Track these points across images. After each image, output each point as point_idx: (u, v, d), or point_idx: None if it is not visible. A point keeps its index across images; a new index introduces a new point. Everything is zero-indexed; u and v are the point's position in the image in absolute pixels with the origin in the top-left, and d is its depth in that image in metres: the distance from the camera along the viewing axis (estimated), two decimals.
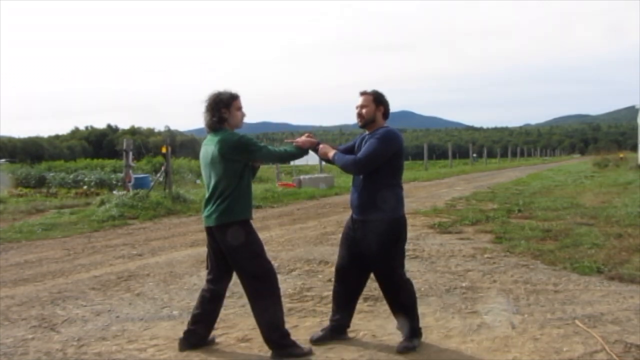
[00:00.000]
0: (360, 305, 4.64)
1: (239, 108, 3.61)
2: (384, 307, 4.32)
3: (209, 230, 3.59)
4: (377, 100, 3.66)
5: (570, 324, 4.04)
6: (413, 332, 3.67)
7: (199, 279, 5.69)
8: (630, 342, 3.64)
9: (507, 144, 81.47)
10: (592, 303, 4.55)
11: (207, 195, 3.59)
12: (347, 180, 21.15)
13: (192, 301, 4.86)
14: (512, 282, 5.29)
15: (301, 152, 3.75)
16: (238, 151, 3.47)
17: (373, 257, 3.64)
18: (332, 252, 6.97)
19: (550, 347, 3.61)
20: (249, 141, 3.53)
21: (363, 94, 3.69)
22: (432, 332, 3.94)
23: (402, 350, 3.58)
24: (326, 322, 4.14)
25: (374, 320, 4.21)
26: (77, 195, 16.45)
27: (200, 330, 3.72)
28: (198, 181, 20.77)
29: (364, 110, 3.65)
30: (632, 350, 3.54)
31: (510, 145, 71.52)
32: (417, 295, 4.81)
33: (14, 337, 4.05)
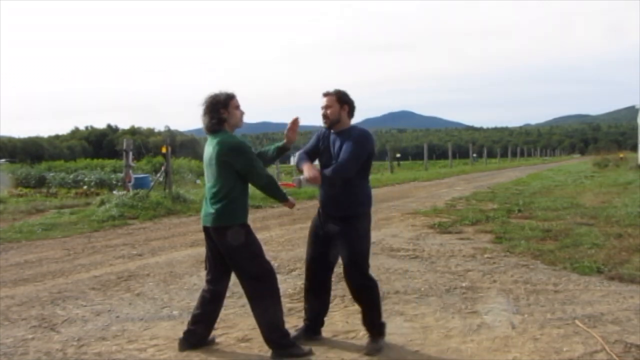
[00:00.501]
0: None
1: (237, 107, 3.61)
2: (384, 307, 4.32)
3: (207, 230, 3.61)
4: (340, 100, 3.66)
5: (570, 324, 4.04)
6: (380, 331, 3.70)
7: (199, 279, 5.69)
8: (630, 342, 3.64)
9: (507, 144, 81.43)
10: (592, 303, 4.55)
11: (206, 196, 3.62)
12: None
13: (192, 301, 4.86)
14: (512, 282, 5.29)
15: (283, 197, 3.69)
16: (234, 154, 3.46)
17: (348, 253, 3.62)
18: None
19: (550, 347, 3.61)
20: (248, 149, 3.52)
21: (326, 94, 3.68)
22: (432, 332, 3.95)
23: (370, 351, 3.58)
24: (326, 322, 4.15)
25: None
26: (77, 195, 16.45)
27: (200, 330, 3.72)
28: (198, 181, 20.78)
29: (328, 111, 3.65)
30: (632, 350, 3.54)
31: (510, 145, 71.48)
32: (417, 295, 4.84)
33: (14, 337, 4.05)
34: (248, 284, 3.57)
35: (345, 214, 3.61)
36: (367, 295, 3.69)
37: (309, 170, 3.63)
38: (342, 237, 3.61)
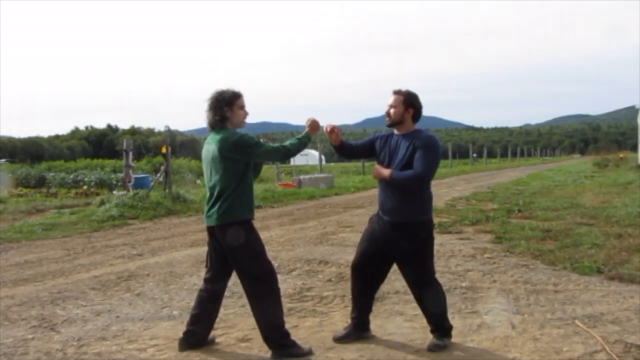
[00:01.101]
0: None
1: (242, 107, 3.58)
2: (384, 307, 4.33)
3: (210, 229, 3.58)
4: (407, 102, 3.64)
5: (570, 324, 4.04)
6: (446, 332, 3.71)
7: (199, 279, 5.68)
8: (630, 342, 3.64)
9: (507, 144, 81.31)
10: (592, 303, 4.55)
11: (208, 195, 3.58)
12: (346, 180, 21.13)
13: (192, 301, 4.85)
14: (512, 282, 5.29)
15: (307, 139, 3.66)
16: (238, 150, 3.44)
17: (411, 258, 3.65)
18: (332, 252, 6.97)
19: (550, 347, 3.61)
20: (250, 140, 3.48)
21: (395, 93, 3.68)
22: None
23: (434, 348, 3.61)
24: (326, 322, 4.16)
25: (374, 320, 4.20)
26: (77, 195, 16.44)
27: (199, 330, 3.71)
28: (198, 181, 20.76)
29: (392, 111, 3.65)
30: (632, 350, 3.54)
31: (510, 145, 71.41)
32: None
33: (14, 337, 4.05)
34: (249, 284, 3.56)
35: (410, 220, 3.58)
36: (437, 298, 3.70)
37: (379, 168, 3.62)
38: (408, 243, 3.59)
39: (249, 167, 3.55)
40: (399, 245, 3.61)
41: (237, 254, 3.51)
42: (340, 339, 3.78)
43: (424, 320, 4.12)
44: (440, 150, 3.68)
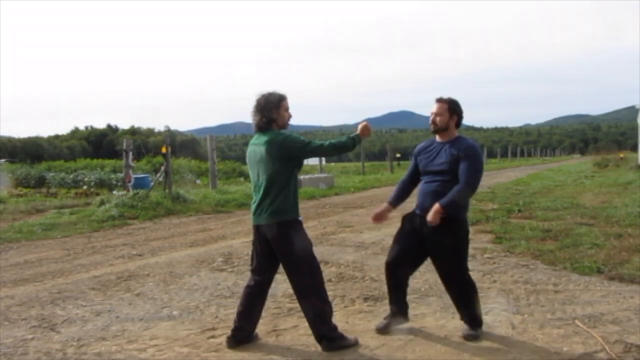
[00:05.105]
0: (360, 305, 4.65)
1: (287, 109, 3.67)
2: (384, 307, 4.32)
3: (258, 227, 3.66)
4: (451, 109, 3.74)
5: (570, 324, 4.04)
6: (479, 322, 3.83)
7: (199, 279, 5.70)
8: (630, 342, 3.64)
9: (507, 144, 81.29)
10: (592, 303, 4.55)
11: (254, 194, 3.67)
12: (346, 180, 21.13)
13: (192, 301, 4.87)
14: (512, 282, 5.29)
15: (355, 140, 3.68)
16: (286, 150, 3.53)
17: (449, 255, 3.76)
18: (332, 252, 6.97)
19: (550, 347, 3.61)
20: (297, 138, 3.58)
21: (439, 101, 3.76)
22: (432, 332, 3.95)
23: (468, 337, 3.74)
24: None
25: (374, 320, 4.21)
26: (77, 195, 16.43)
27: (247, 326, 3.76)
28: (198, 181, 20.76)
29: (437, 119, 3.74)
30: (632, 350, 3.54)
31: (510, 145, 71.39)
32: (417, 295, 4.83)
33: (14, 337, 4.06)
34: (296, 280, 3.64)
35: (451, 218, 3.65)
36: (469, 292, 3.83)
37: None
38: (445, 239, 3.68)
39: (295, 167, 3.64)
40: (439, 242, 3.70)
41: (285, 252, 3.59)
42: (383, 329, 3.90)
43: (424, 320, 4.12)
44: (482, 157, 3.78)
